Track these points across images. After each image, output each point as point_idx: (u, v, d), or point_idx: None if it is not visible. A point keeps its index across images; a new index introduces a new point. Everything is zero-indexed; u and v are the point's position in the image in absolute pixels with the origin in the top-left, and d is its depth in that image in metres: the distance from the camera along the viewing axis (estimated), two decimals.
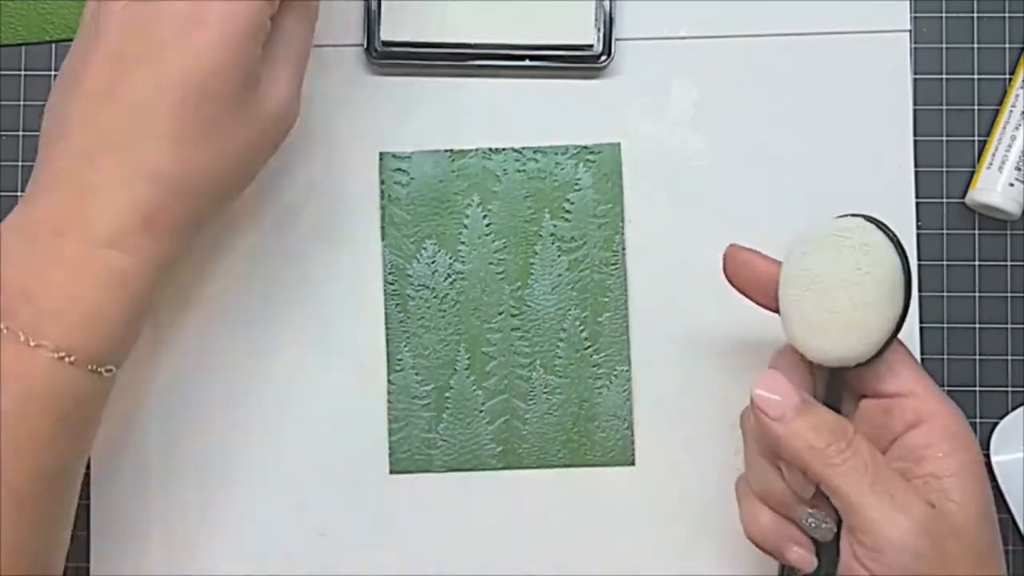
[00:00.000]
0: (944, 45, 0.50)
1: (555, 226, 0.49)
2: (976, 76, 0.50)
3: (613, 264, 0.49)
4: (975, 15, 0.50)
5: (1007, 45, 0.50)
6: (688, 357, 0.49)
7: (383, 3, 0.48)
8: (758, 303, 0.42)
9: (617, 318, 0.49)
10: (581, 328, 0.49)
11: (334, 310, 0.50)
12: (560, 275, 0.49)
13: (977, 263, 0.50)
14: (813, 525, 0.41)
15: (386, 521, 0.49)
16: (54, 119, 0.41)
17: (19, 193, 0.50)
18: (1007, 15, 0.50)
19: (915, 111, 0.50)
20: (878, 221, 0.39)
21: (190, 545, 0.49)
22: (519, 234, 0.50)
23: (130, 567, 0.49)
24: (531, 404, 0.49)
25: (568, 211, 0.49)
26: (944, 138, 0.50)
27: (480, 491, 0.49)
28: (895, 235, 0.39)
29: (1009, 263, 0.49)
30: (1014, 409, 0.49)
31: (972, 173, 0.49)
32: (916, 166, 0.50)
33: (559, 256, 0.49)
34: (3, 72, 0.51)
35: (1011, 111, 0.48)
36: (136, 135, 0.38)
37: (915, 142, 0.50)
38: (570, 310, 0.49)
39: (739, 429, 0.45)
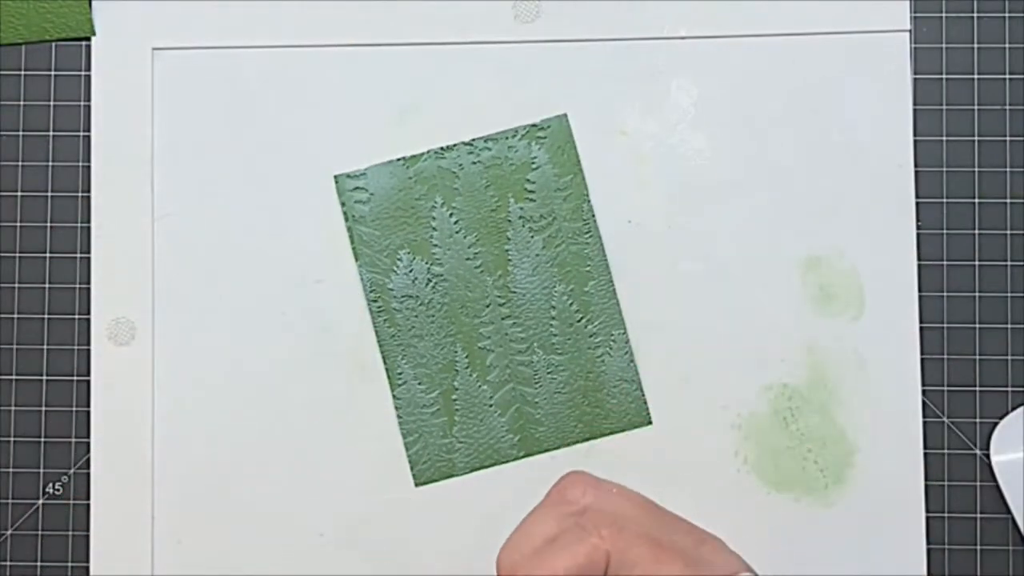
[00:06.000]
0: (944, 45, 0.50)
1: (522, 208, 0.49)
2: (976, 76, 0.50)
3: (586, 233, 0.49)
4: (975, 15, 0.50)
5: (1007, 45, 0.50)
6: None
7: None
8: None
9: (602, 284, 0.49)
10: (569, 302, 0.49)
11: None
12: (537, 255, 0.49)
13: (977, 263, 0.50)
14: None
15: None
16: None
17: (19, 193, 0.50)
18: (1007, 15, 0.50)
19: (915, 111, 0.50)
20: None
21: (190, 545, 0.49)
22: (488, 224, 0.50)
23: (130, 567, 0.49)
24: (538, 387, 0.49)
25: (531, 191, 0.49)
26: (944, 138, 0.50)
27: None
28: None
29: (1009, 263, 0.49)
30: (1014, 409, 0.49)
31: (972, 173, 0.49)
32: (916, 166, 0.50)
33: (532, 237, 0.49)
34: (3, 72, 0.51)
35: None
36: None
37: (915, 142, 0.50)
38: (555, 287, 0.49)
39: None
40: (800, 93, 0.50)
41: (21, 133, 0.50)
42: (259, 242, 0.50)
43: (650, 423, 0.49)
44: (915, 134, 0.50)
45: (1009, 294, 0.49)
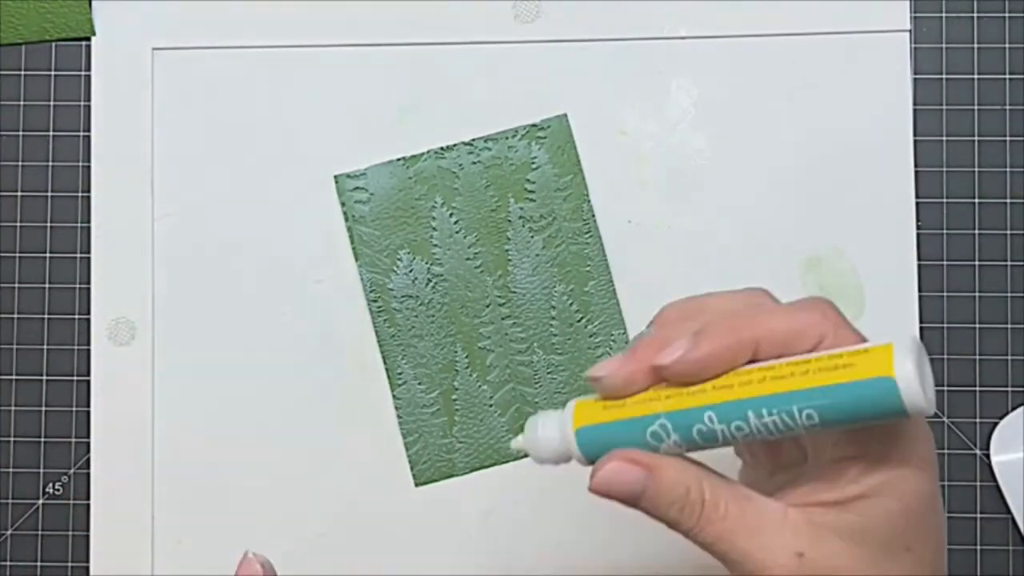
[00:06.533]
0: (944, 45, 0.50)
1: (522, 208, 0.49)
2: (976, 76, 0.50)
3: (587, 233, 0.49)
4: (975, 15, 0.50)
5: (1007, 45, 0.50)
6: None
7: None
8: None
9: (602, 285, 0.49)
10: (569, 302, 0.49)
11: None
12: (537, 255, 0.49)
13: (977, 263, 0.50)
14: None
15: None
16: None
17: (19, 193, 0.50)
18: (1007, 15, 0.50)
19: (915, 111, 0.50)
20: None
21: (190, 545, 0.49)
22: (488, 224, 0.50)
23: (130, 567, 0.49)
24: (538, 388, 0.49)
25: (531, 191, 0.49)
26: (944, 138, 0.50)
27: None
28: None
29: (1009, 263, 0.49)
30: (1014, 409, 0.49)
31: (972, 173, 0.49)
32: (916, 166, 0.50)
33: (532, 237, 0.49)
34: (3, 72, 0.51)
35: None
36: None
37: (915, 142, 0.50)
38: (555, 287, 0.49)
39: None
40: (800, 93, 0.50)
41: (21, 133, 0.50)
42: (259, 242, 0.50)
43: None
44: (915, 134, 0.50)
45: (1009, 294, 0.49)
